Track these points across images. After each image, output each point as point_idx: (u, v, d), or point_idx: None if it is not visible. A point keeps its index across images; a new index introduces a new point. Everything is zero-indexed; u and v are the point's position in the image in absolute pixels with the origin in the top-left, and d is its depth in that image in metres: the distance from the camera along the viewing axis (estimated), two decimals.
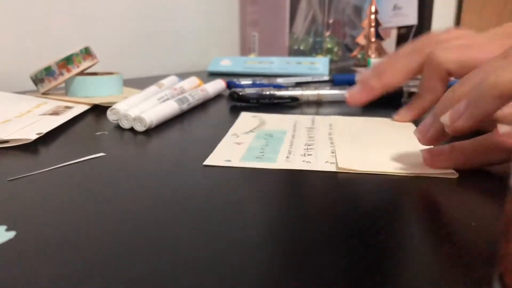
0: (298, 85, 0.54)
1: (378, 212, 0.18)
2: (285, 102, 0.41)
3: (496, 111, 0.18)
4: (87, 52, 0.44)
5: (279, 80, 0.55)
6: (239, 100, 0.41)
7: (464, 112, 0.18)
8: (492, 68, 0.19)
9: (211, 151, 0.25)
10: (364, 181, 0.21)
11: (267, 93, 0.41)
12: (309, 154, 0.25)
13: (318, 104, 0.43)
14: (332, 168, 0.22)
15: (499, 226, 0.14)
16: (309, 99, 0.42)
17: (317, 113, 0.37)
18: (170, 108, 0.35)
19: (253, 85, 0.50)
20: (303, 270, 0.13)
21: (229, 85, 0.49)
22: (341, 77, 0.56)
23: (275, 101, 0.41)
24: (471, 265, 0.13)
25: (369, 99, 0.33)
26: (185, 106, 0.37)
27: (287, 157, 0.24)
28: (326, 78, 0.59)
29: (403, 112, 0.33)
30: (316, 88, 0.43)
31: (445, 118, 0.19)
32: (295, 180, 0.21)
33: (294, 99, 0.42)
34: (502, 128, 0.17)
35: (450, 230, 0.16)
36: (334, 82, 0.56)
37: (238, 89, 0.41)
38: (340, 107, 0.42)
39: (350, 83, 0.51)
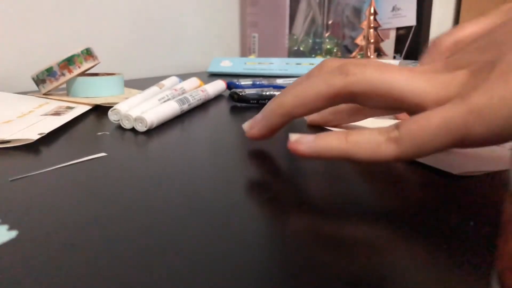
0: None
1: (377, 213, 0.18)
2: None
3: (283, 125, 0.23)
4: (88, 53, 0.44)
5: (279, 81, 0.55)
6: (239, 100, 0.41)
7: (259, 122, 0.24)
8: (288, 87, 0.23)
9: (211, 151, 0.25)
10: (359, 178, 0.21)
11: (267, 93, 0.41)
12: None
13: None
14: None
15: (498, 226, 0.14)
16: None
17: None
18: (171, 108, 0.35)
19: (253, 85, 0.50)
20: (302, 270, 0.13)
21: (229, 86, 0.49)
22: None
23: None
24: (470, 264, 0.13)
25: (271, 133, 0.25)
26: (185, 107, 0.37)
27: None
28: None
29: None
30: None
31: (245, 125, 0.25)
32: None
33: None
34: (292, 137, 0.20)
35: (449, 229, 0.16)
36: None
37: (238, 90, 0.41)
38: None
39: None
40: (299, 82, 0.23)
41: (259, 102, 0.41)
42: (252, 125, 0.25)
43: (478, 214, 0.17)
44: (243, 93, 0.41)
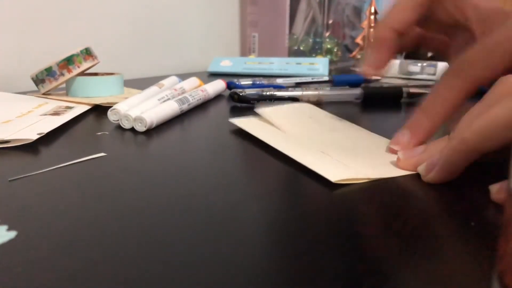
0: (298, 85, 0.54)
1: (377, 213, 0.18)
2: (285, 102, 0.42)
3: (467, 165, 0.19)
4: (87, 53, 0.44)
5: (279, 81, 0.55)
6: (239, 100, 0.41)
7: (437, 164, 0.20)
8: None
9: (211, 151, 0.25)
10: (359, 183, 0.21)
11: (267, 93, 0.41)
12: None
13: (318, 105, 0.43)
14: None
15: (498, 226, 0.14)
16: (309, 99, 0.42)
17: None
18: (171, 108, 0.35)
19: (253, 85, 0.50)
20: (302, 270, 0.13)
21: (229, 86, 0.49)
22: (340, 77, 0.56)
23: (275, 101, 0.41)
24: (470, 265, 0.13)
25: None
26: (185, 107, 0.37)
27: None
28: (326, 78, 0.59)
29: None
30: (316, 89, 0.43)
31: (422, 169, 0.21)
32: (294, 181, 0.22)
33: (294, 99, 0.42)
34: (493, 188, 0.18)
35: (449, 230, 0.16)
36: (333, 83, 0.56)
37: (238, 90, 0.41)
38: (340, 107, 0.42)
39: (350, 83, 0.52)
40: (475, 109, 0.20)
41: (259, 102, 0.41)
42: (429, 168, 0.20)
43: (478, 214, 0.17)
44: (243, 93, 0.41)
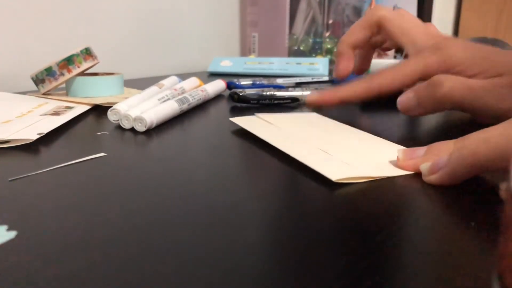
0: (298, 85, 0.54)
1: (377, 213, 0.18)
2: (285, 102, 0.42)
3: (471, 177, 0.20)
4: (87, 53, 0.44)
5: (279, 81, 0.55)
6: (239, 100, 0.41)
7: (443, 167, 0.20)
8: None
9: (211, 151, 0.25)
10: (360, 183, 0.21)
11: (267, 93, 0.41)
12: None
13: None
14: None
15: (498, 226, 0.14)
16: None
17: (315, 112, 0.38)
18: (171, 108, 0.35)
19: (253, 85, 0.50)
20: (302, 270, 0.13)
21: (229, 86, 0.49)
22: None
23: (275, 101, 0.41)
24: (470, 264, 0.13)
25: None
26: (185, 106, 0.37)
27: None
28: (326, 78, 0.59)
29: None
30: (316, 89, 0.43)
31: (425, 168, 0.21)
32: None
33: (294, 99, 0.42)
34: (503, 186, 0.18)
35: (450, 230, 0.16)
36: (333, 82, 0.56)
37: (238, 90, 0.41)
38: (340, 107, 0.42)
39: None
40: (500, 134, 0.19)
41: (259, 102, 0.41)
42: (433, 169, 0.21)
43: (478, 214, 0.17)
44: (243, 93, 0.41)
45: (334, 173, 0.21)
